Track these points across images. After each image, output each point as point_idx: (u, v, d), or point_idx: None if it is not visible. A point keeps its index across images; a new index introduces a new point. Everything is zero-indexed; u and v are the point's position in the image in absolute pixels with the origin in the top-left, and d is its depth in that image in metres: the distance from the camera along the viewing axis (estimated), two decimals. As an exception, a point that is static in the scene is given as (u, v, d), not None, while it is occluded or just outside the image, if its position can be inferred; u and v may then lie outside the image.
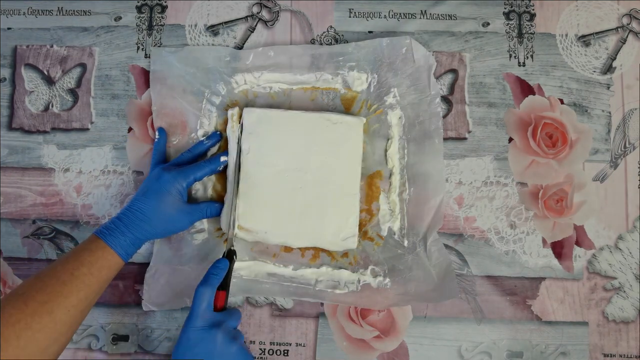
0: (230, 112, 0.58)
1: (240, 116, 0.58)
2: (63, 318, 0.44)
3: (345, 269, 0.58)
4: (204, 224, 0.60)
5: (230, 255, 0.53)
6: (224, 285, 0.50)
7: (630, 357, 0.58)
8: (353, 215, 0.56)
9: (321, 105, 0.61)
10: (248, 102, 0.61)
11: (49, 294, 0.44)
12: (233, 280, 0.58)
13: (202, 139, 0.60)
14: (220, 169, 0.58)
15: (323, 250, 0.59)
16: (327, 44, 0.63)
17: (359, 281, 0.58)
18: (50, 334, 0.43)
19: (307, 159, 0.57)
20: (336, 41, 0.63)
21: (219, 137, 0.60)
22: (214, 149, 0.61)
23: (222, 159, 0.58)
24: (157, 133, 0.60)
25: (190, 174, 0.55)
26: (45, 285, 0.45)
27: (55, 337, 0.44)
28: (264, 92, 0.61)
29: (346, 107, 0.61)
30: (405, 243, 0.58)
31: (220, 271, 0.50)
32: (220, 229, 0.59)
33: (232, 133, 0.58)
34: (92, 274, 0.47)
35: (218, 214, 0.57)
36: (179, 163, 0.57)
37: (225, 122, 0.60)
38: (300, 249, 0.59)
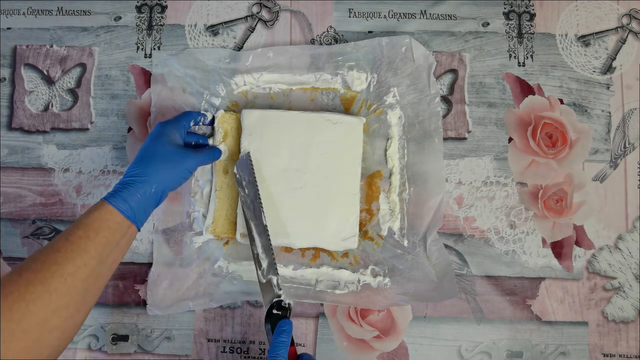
0: (215, 114, 0.59)
1: (224, 120, 0.59)
2: (59, 287, 0.40)
3: (346, 269, 0.58)
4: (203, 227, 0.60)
5: (284, 311, 0.49)
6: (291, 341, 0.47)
7: (630, 357, 0.58)
8: (353, 215, 0.56)
9: (321, 106, 0.61)
10: (247, 103, 0.61)
11: (43, 262, 0.40)
12: (234, 282, 0.58)
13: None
14: (207, 118, 0.59)
15: (323, 250, 0.59)
16: (326, 44, 0.63)
17: (359, 281, 0.58)
18: (46, 305, 0.39)
19: (307, 159, 0.57)
20: (336, 41, 0.63)
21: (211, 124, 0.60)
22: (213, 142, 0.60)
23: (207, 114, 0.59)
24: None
25: (179, 118, 0.55)
26: (41, 254, 0.41)
27: (53, 309, 0.39)
28: (263, 93, 0.61)
29: (346, 107, 0.61)
30: (405, 243, 0.58)
31: (286, 335, 0.46)
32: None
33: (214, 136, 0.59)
34: (89, 237, 0.43)
35: (217, 158, 0.58)
36: None
37: None
38: (300, 249, 0.59)
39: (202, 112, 0.59)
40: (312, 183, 0.57)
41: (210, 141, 0.59)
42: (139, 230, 0.47)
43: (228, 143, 0.59)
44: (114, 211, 0.45)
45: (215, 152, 0.57)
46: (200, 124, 0.58)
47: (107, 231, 0.44)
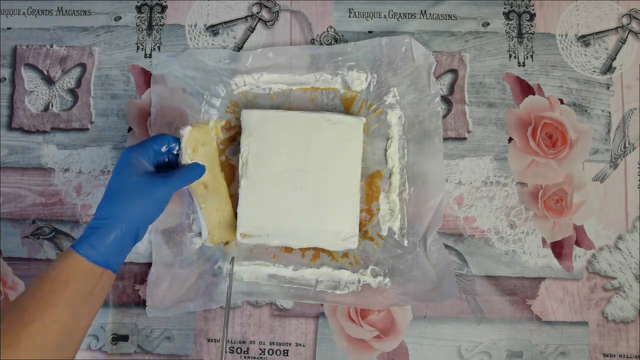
0: (181, 131, 0.51)
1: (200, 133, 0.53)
2: (28, 349, 0.37)
3: (346, 269, 0.58)
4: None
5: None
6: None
7: (630, 357, 0.58)
8: (353, 215, 0.56)
9: (321, 106, 0.61)
10: (247, 103, 0.61)
11: (8, 322, 0.37)
12: (234, 284, 0.58)
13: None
14: (177, 145, 0.51)
15: (323, 250, 0.59)
16: (327, 44, 0.63)
17: (359, 281, 0.58)
18: None
19: (307, 159, 0.57)
20: (336, 41, 0.63)
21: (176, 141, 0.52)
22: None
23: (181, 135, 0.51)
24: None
25: (146, 143, 0.48)
26: (5, 313, 0.38)
27: None
28: (263, 93, 0.61)
29: (346, 107, 0.61)
30: (405, 243, 0.58)
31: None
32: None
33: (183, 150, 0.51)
34: (55, 291, 0.39)
35: (201, 175, 0.51)
36: None
37: (224, 124, 0.59)
38: (300, 249, 0.59)
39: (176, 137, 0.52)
40: (312, 183, 0.57)
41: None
42: (116, 273, 0.44)
43: (202, 155, 0.52)
44: (81, 259, 0.41)
45: (196, 170, 0.50)
46: (175, 151, 0.51)
47: (76, 282, 0.41)
